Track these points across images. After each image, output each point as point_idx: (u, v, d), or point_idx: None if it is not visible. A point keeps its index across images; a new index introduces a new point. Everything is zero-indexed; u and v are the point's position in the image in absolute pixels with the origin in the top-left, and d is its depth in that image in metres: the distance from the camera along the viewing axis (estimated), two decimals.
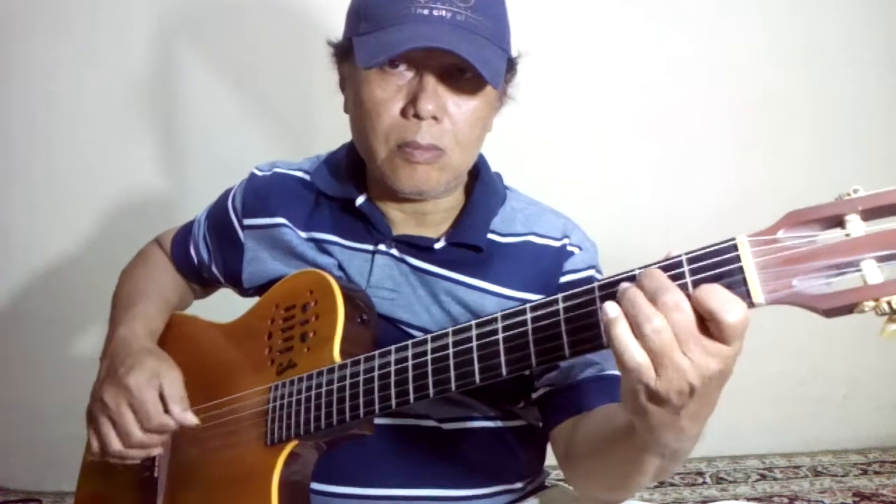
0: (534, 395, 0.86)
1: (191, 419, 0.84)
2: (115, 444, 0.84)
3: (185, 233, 1.06)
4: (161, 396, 0.83)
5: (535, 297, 0.84)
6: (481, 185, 0.92)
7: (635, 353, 0.51)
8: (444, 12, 0.77)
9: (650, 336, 0.50)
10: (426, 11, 0.77)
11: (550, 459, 0.93)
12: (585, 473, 0.79)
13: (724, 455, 2.06)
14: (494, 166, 0.96)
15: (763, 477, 1.98)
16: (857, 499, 1.84)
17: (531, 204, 0.95)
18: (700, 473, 1.98)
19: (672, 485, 1.90)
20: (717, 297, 0.49)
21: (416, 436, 0.85)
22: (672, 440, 0.58)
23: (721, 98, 1.99)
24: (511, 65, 0.86)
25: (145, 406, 0.82)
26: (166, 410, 0.83)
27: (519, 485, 0.91)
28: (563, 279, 0.87)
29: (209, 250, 1.03)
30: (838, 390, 2.14)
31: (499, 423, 0.89)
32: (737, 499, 1.81)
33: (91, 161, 1.76)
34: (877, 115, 2.09)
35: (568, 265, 0.88)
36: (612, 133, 1.96)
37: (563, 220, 0.93)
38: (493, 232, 0.89)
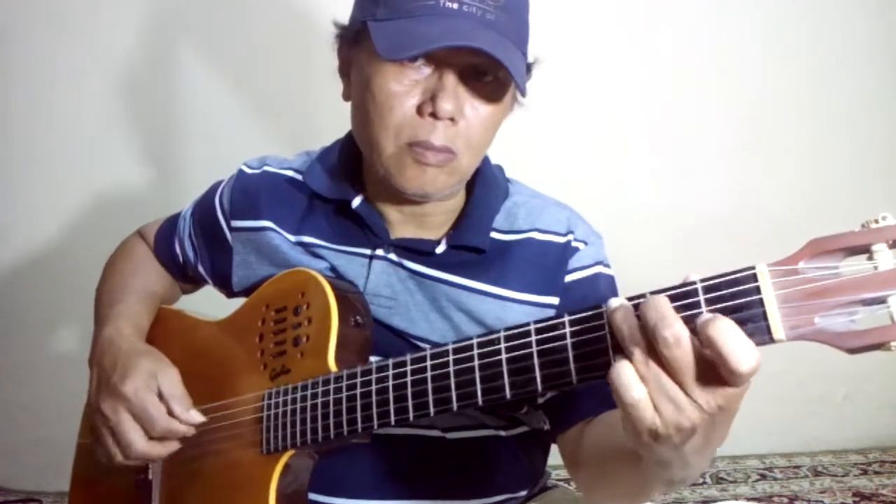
0: (539, 400, 0.84)
1: (196, 417, 0.81)
2: (118, 456, 0.82)
3: (170, 228, 1.02)
4: (161, 397, 0.80)
5: (537, 299, 0.83)
6: (483, 183, 0.88)
7: (633, 391, 0.50)
8: (474, 9, 0.73)
9: (647, 377, 0.49)
10: (455, 6, 0.72)
11: (552, 459, 0.92)
12: (592, 483, 0.78)
13: (724, 455, 2.07)
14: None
15: (763, 477, 1.98)
16: (857, 499, 1.85)
17: (533, 197, 0.91)
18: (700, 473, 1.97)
19: None
20: (730, 342, 0.46)
21: (420, 445, 0.83)
22: (678, 470, 0.56)
23: (721, 98, 1.98)
24: (527, 70, 0.82)
25: (147, 412, 0.79)
26: (169, 412, 0.80)
27: (523, 492, 0.89)
28: (569, 278, 0.84)
29: (195, 249, 0.99)
30: (838, 390, 2.15)
31: (502, 432, 0.87)
32: (737, 499, 1.81)
33: (91, 161, 1.75)
34: (877, 115, 2.08)
35: (573, 262, 0.85)
36: (613, 133, 1.95)
37: (566, 212, 0.89)
38: (496, 230, 0.86)
